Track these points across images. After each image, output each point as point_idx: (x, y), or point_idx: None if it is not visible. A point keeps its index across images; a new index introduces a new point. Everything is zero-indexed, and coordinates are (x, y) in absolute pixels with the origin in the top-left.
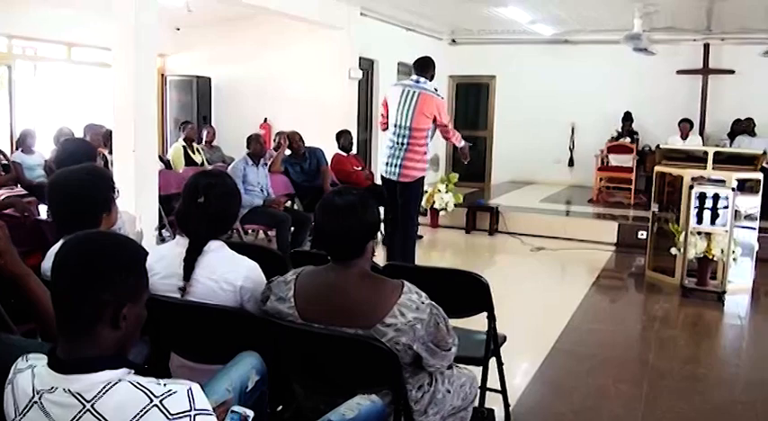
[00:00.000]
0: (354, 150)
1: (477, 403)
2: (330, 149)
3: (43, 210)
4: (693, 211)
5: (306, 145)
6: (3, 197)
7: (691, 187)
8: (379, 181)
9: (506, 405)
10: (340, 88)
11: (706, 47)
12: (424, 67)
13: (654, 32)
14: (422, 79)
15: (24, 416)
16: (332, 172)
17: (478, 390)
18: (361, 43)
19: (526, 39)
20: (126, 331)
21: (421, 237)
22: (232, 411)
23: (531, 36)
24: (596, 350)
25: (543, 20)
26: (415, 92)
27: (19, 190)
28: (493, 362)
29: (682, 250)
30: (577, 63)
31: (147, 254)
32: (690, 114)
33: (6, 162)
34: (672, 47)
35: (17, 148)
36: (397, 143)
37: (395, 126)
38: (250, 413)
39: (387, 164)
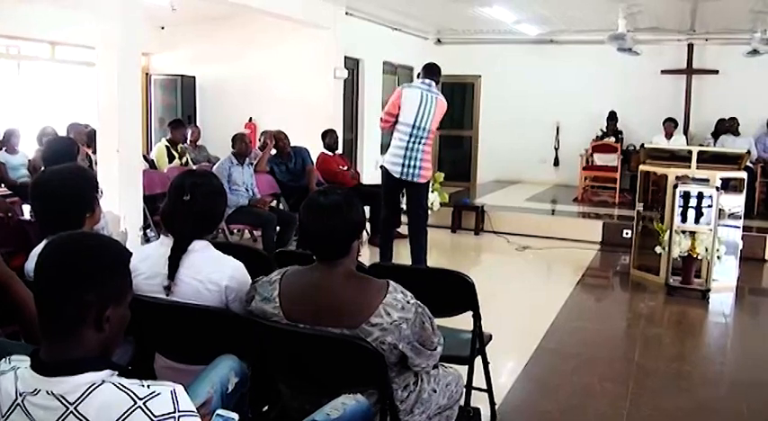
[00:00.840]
0: (340, 150)
1: (462, 402)
2: (315, 149)
3: (27, 211)
4: (678, 210)
5: (291, 144)
6: None
7: (675, 186)
8: (366, 181)
9: (492, 404)
10: (325, 88)
11: (690, 47)
12: (436, 72)
13: (638, 33)
14: (433, 85)
15: (7, 418)
16: (317, 171)
17: (464, 389)
18: (347, 42)
19: (511, 38)
20: (110, 333)
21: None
22: (217, 414)
23: (516, 36)
24: (581, 348)
25: (528, 20)
26: (432, 96)
27: (2, 190)
28: (479, 361)
29: (666, 249)
30: (562, 63)
31: (130, 255)
32: (674, 114)
33: None
34: (656, 47)
35: (1, 148)
36: (415, 143)
37: (413, 127)
38: (234, 416)
39: (401, 164)
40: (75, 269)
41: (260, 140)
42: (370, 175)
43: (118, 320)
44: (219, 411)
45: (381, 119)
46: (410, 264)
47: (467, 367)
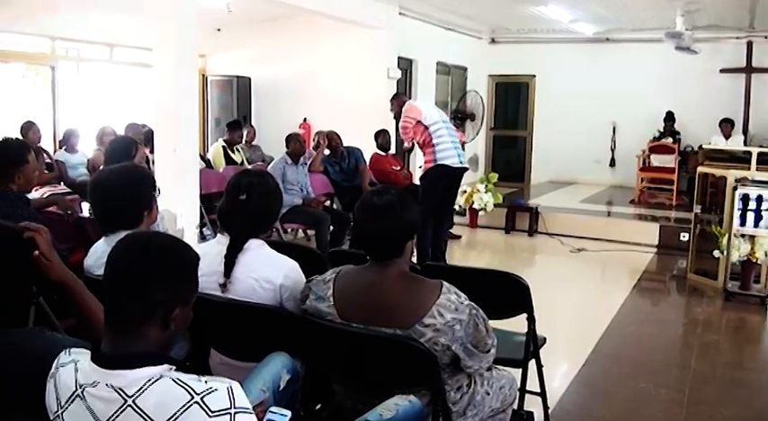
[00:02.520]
0: (393, 150)
1: (516, 405)
2: (369, 149)
3: (86, 208)
4: (737, 213)
5: (344, 144)
6: (47, 195)
7: (734, 188)
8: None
9: (545, 407)
10: (378, 88)
11: (749, 45)
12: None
13: (696, 31)
14: None
15: (66, 409)
16: (370, 171)
17: (518, 393)
18: (400, 43)
19: (567, 37)
20: (173, 332)
21: (459, 237)
22: (270, 411)
23: (571, 35)
24: (637, 353)
25: (584, 18)
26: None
27: (62, 188)
28: (532, 364)
29: (725, 253)
30: (619, 62)
31: (199, 259)
32: (733, 114)
33: (50, 161)
34: (714, 45)
35: (61, 147)
36: (451, 131)
37: (442, 121)
38: (287, 413)
39: (457, 155)
40: (152, 268)
41: (314, 140)
42: None
43: (182, 320)
44: (272, 408)
45: (405, 137)
46: (461, 264)
47: (520, 370)
